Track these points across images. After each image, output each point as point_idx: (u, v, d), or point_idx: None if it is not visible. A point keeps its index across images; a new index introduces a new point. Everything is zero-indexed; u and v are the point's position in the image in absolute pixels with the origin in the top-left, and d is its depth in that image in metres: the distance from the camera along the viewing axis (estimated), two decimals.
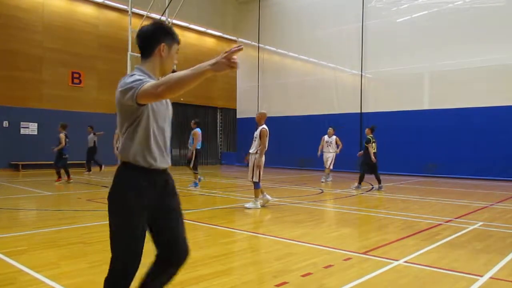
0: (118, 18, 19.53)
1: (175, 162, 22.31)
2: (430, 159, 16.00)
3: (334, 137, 13.30)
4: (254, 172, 7.69)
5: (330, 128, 13.46)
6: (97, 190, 10.83)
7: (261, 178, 7.75)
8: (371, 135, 10.96)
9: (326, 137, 13.40)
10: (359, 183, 11.18)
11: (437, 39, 15.99)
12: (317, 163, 18.78)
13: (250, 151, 7.90)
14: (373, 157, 10.81)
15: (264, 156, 7.79)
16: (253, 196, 7.90)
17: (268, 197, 7.99)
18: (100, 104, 18.75)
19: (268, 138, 7.76)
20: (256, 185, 7.78)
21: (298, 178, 15.41)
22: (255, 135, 7.90)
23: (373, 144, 10.94)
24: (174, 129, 22.34)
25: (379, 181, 10.85)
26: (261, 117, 7.94)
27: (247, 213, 7.43)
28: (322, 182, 13.15)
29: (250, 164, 7.83)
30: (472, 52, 15.24)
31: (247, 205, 7.82)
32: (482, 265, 4.18)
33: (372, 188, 11.47)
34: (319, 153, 13.52)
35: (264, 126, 7.83)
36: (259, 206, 7.74)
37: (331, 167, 13.27)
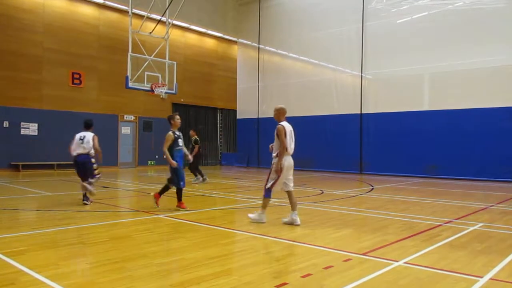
0: (118, 18, 19.55)
1: None
2: (430, 160, 16.00)
3: None
4: (270, 177, 6.49)
5: None
6: (97, 191, 10.81)
7: (275, 187, 6.46)
8: (196, 136, 13.35)
9: None
10: (196, 176, 12.99)
11: (437, 40, 15.99)
12: (317, 164, 18.80)
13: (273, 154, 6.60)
14: (192, 155, 13.03)
15: (287, 159, 6.53)
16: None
17: (297, 218, 6.35)
18: (100, 104, 18.64)
19: (288, 136, 6.40)
20: (266, 193, 6.47)
21: (298, 179, 15.36)
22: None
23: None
24: None
25: (202, 175, 13.00)
26: (279, 113, 6.56)
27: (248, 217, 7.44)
28: None
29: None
30: (472, 53, 15.23)
31: (251, 215, 6.60)
32: (482, 266, 4.18)
33: (372, 189, 11.48)
34: None
35: (282, 122, 6.47)
36: (264, 220, 6.44)
37: None
